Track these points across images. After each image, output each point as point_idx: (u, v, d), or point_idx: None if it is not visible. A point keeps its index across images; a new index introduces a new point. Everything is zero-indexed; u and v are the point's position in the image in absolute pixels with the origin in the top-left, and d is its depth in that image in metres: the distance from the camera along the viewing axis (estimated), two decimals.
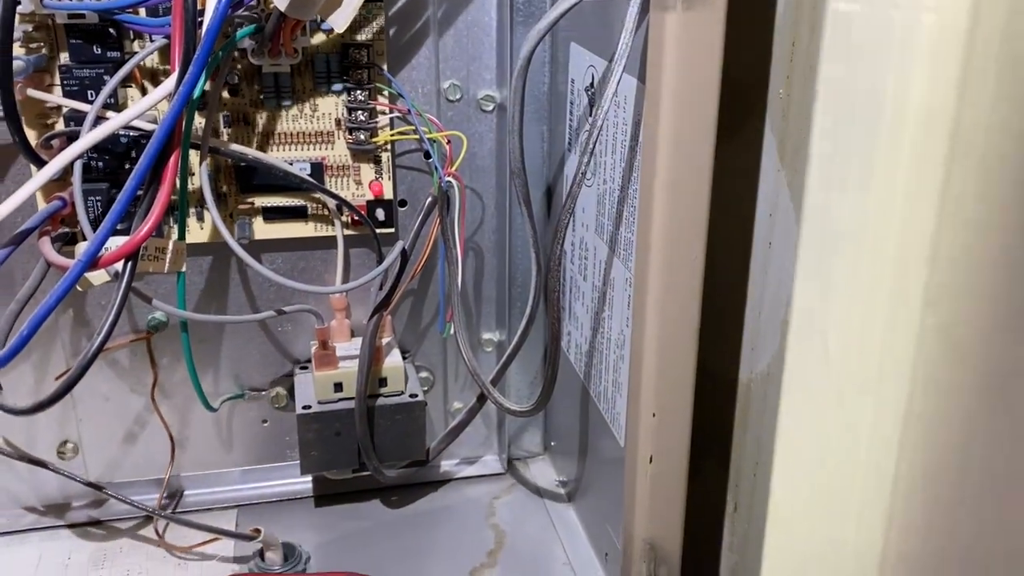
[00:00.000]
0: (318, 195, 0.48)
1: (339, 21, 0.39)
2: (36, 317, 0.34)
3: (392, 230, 0.50)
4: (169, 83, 0.36)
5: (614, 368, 0.43)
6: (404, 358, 0.51)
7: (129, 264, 0.35)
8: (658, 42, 0.31)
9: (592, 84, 0.43)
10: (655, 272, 0.34)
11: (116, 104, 0.43)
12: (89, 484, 0.49)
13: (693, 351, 0.35)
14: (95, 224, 0.40)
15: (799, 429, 0.33)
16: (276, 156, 0.47)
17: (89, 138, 0.36)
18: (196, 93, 0.38)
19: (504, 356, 0.51)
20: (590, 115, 0.44)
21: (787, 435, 0.33)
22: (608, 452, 0.45)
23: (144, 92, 0.44)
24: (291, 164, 0.47)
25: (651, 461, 0.36)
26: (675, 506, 0.37)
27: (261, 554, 0.49)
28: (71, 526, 0.52)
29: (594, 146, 0.36)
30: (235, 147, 0.45)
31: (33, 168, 0.40)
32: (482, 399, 0.52)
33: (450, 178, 0.47)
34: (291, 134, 0.47)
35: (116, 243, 0.35)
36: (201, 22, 0.36)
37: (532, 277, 0.49)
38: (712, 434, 0.37)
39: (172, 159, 0.36)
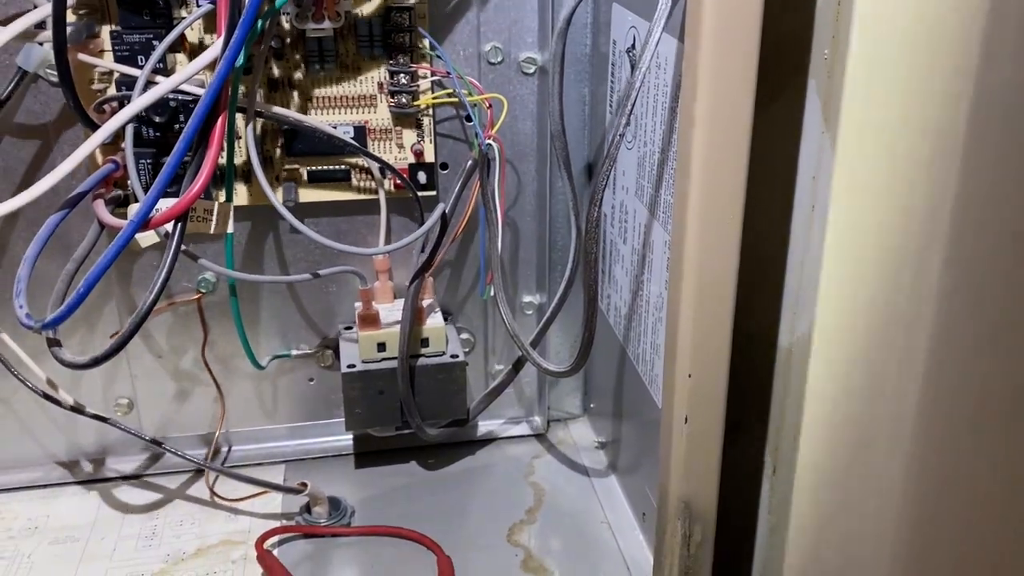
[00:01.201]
0: (361, 159, 0.48)
1: None
2: (91, 276, 0.35)
3: (433, 193, 0.50)
4: (215, 48, 0.37)
5: (652, 330, 0.43)
6: (446, 320, 0.52)
7: (179, 225, 0.36)
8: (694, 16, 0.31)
9: (633, 45, 0.43)
10: (692, 234, 0.34)
11: (165, 69, 0.44)
12: (145, 439, 0.51)
13: (730, 313, 0.35)
14: (146, 187, 0.41)
15: (835, 393, 0.33)
16: (320, 120, 0.47)
17: (139, 102, 0.37)
18: (241, 59, 0.39)
19: (544, 318, 0.51)
20: (631, 77, 0.44)
21: (821, 398, 0.33)
22: (647, 413, 0.46)
23: (192, 57, 0.45)
24: (335, 128, 0.47)
25: (687, 421, 0.36)
26: (711, 466, 0.37)
27: (308, 508, 0.50)
28: (126, 478, 0.54)
29: (632, 107, 0.36)
30: (280, 111, 0.46)
31: (86, 132, 0.41)
32: (521, 361, 0.53)
33: (490, 141, 0.47)
34: (334, 98, 0.48)
35: (166, 205, 0.36)
36: None
37: (572, 240, 0.49)
38: (752, 397, 0.38)
39: (219, 123, 0.37)
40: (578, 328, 0.57)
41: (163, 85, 0.37)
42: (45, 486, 0.53)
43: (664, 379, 0.38)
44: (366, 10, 0.45)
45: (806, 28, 0.31)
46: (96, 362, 0.37)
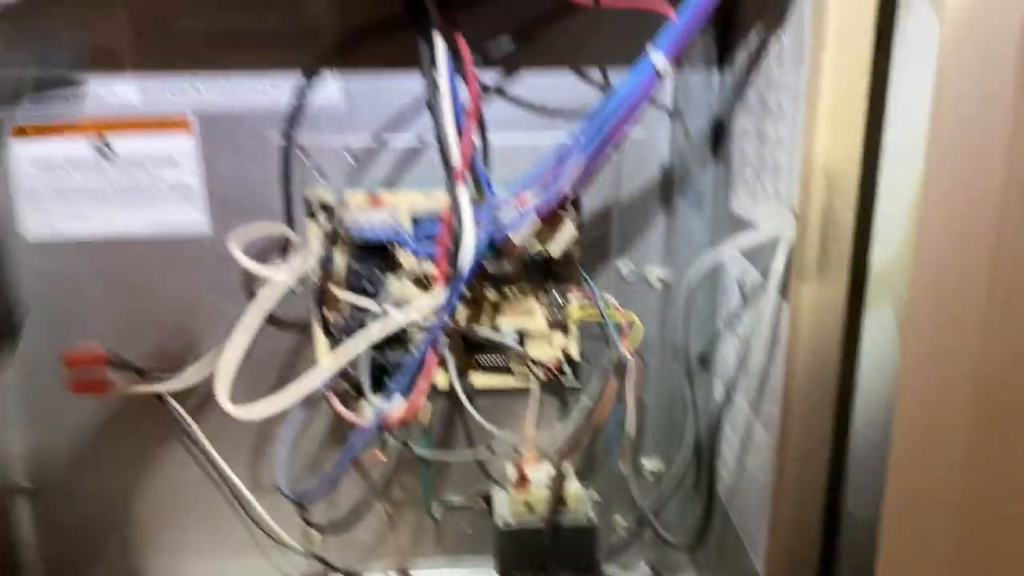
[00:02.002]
0: (520, 356, 0.62)
1: (554, 249, 0.53)
2: (340, 462, 0.49)
3: (578, 385, 0.63)
4: (438, 296, 0.51)
5: (757, 502, 0.54)
6: (582, 485, 0.64)
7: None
8: (796, 303, 0.43)
9: (744, 283, 0.55)
10: (790, 456, 0.45)
11: (387, 296, 0.58)
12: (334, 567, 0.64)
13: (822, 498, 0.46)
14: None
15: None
16: (489, 328, 0.61)
17: (375, 334, 0.51)
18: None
19: (664, 488, 0.63)
20: (742, 305, 0.56)
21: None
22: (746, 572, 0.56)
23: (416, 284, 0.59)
24: (500, 331, 0.61)
25: None
26: None
27: None
28: None
29: (749, 341, 0.48)
30: (472, 326, 0.60)
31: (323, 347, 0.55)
32: (643, 522, 0.64)
33: (625, 351, 0.60)
34: (503, 309, 0.61)
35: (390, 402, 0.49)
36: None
37: (687, 425, 0.61)
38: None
39: (433, 351, 0.50)
40: (689, 492, 0.68)
41: (395, 321, 0.52)
42: None
43: (767, 551, 0.49)
44: (535, 249, 0.59)
45: None
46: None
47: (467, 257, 0.49)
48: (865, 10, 0.39)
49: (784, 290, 0.45)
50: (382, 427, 0.49)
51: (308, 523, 0.51)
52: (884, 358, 0.42)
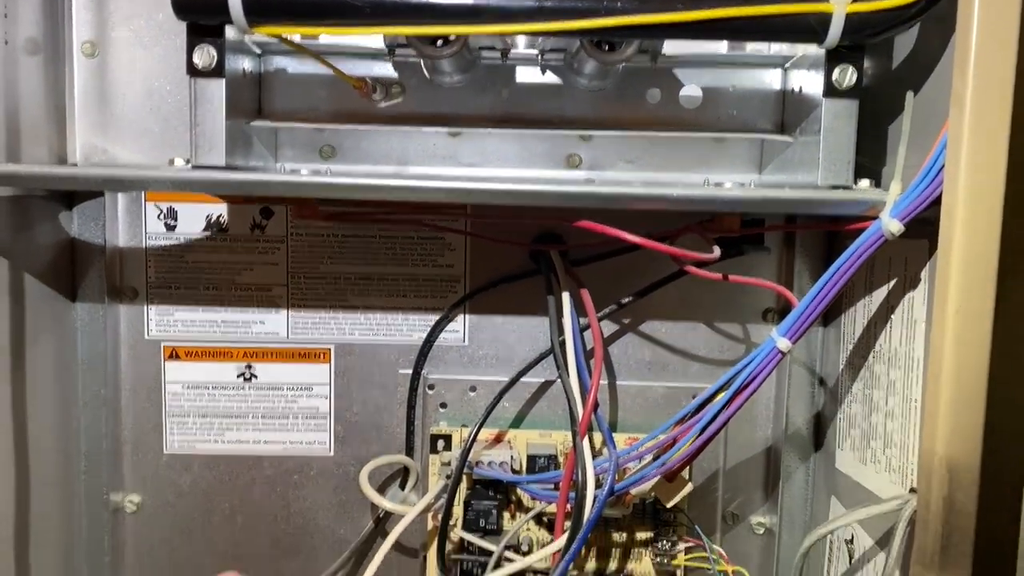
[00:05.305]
0: None
1: (669, 501, 0.55)
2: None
3: None
4: (558, 544, 0.52)
5: None
6: None
7: None
8: None
9: (854, 548, 0.56)
10: None
11: (499, 528, 0.60)
12: None
13: None
14: None
15: None
16: (599, 571, 0.62)
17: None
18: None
19: None
20: (848, 562, 0.57)
21: None
22: None
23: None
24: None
25: None
26: None
27: None
28: None
29: None
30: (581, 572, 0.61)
31: None
32: None
33: None
34: (613, 554, 0.62)
35: None
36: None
37: None
38: None
39: None
40: None
41: (516, 565, 0.53)
42: None
43: None
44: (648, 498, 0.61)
45: None
46: None
47: (590, 510, 0.51)
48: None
49: (903, 568, 0.46)
50: None
51: None
52: None
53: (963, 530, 0.42)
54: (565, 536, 0.52)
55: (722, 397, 0.48)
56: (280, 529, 0.64)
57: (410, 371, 0.62)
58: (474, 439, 0.57)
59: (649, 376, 0.63)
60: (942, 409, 0.43)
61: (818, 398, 0.62)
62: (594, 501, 0.51)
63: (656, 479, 0.52)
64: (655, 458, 0.52)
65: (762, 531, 0.64)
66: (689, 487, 0.55)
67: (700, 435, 0.49)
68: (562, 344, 0.55)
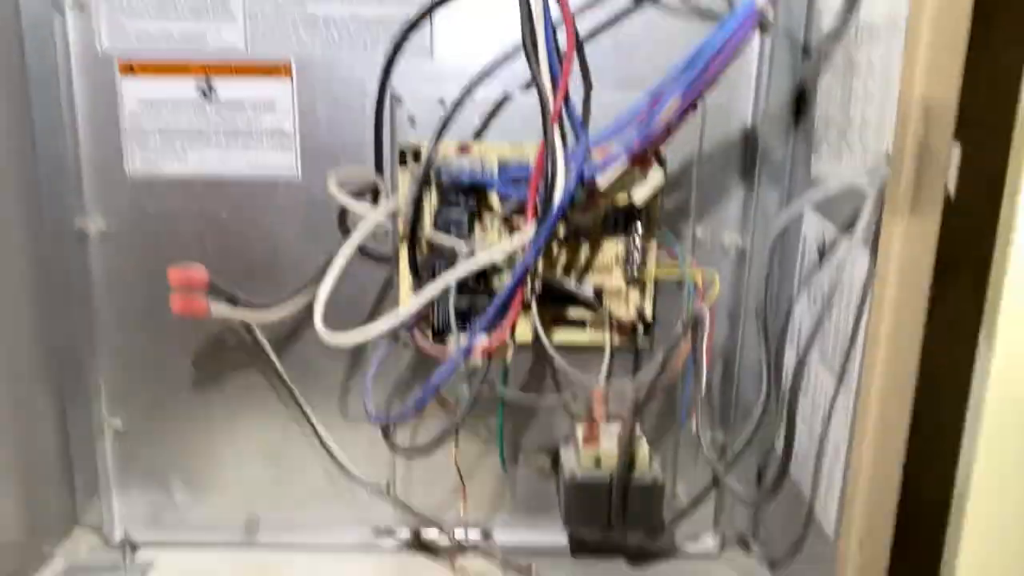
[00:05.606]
0: (597, 311, 0.63)
1: (639, 196, 0.54)
2: (429, 389, 0.50)
3: (650, 344, 0.64)
4: (526, 235, 0.52)
5: (828, 476, 0.54)
6: (649, 444, 0.64)
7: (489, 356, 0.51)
8: (887, 241, 0.44)
9: (824, 245, 0.56)
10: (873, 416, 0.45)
11: (470, 235, 0.59)
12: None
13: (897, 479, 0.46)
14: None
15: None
16: (569, 280, 0.62)
17: (464, 268, 0.53)
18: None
19: (730, 452, 0.63)
20: (819, 265, 0.57)
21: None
22: (817, 548, 0.56)
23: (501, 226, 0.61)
24: (580, 287, 0.62)
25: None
26: None
27: None
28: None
29: (829, 300, 0.49)
30: (556, 277, 0.61)
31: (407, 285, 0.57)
32: (714, 483, 0.64)
33: (702, 305, 0.60)
34: (583, 265, 0.62)
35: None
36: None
37: (761, 392, 0.61)
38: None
39: (520, 292, 0.51)
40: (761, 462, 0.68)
41: (483, 258, 0.53)
42: None
43: (841, 519, 0.49)
44: (619, 203, 0.60)
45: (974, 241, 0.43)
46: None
47: (559, 194, 0.50)
48: None
49: (872, 241, 0.46)
50: (467, 355, 0.50)
51: (391, 447, 0.52)
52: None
53: (936, 171, 0.42)
54: (533, 223, 0.51)
55: (699, 59, 0.46)
56: (250, 252, 0.64)
57: (376, 85, 0.60)
58: (443, 129, 0.55)
59: (625, 88, 0.61)
60: (922, 51, 0.41)
61: (799, 73, 0.60)
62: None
63: (627, 165, 0.51)
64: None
65: (734, 252, 0.64)
66: (659, 175, 0.54)
67: (679, 103, 0.48)
68: (532, 34, 0.53)
